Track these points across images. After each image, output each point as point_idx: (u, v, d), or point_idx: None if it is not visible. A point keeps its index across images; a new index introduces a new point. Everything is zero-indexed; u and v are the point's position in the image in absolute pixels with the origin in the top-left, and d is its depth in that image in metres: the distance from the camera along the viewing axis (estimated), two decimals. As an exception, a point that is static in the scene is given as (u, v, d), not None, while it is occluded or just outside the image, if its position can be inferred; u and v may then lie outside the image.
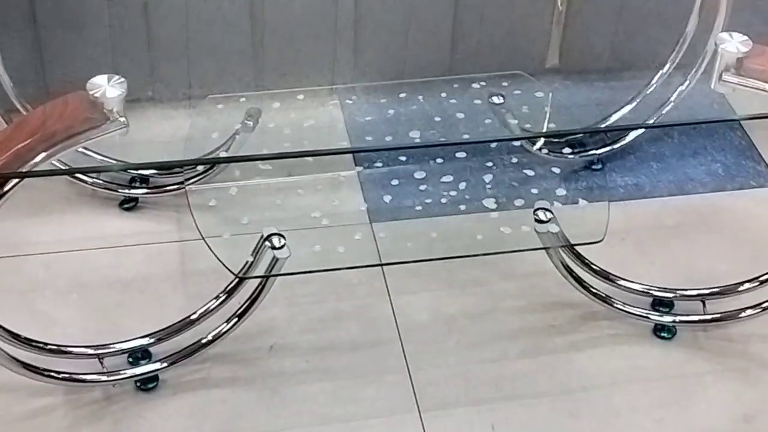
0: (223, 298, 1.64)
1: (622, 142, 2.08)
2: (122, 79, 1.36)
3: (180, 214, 1.92)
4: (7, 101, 1.83)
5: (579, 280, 1.70)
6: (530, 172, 1.79)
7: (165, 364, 1.63)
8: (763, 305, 1.74)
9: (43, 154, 1.34)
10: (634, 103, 2.07)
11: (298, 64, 2.10)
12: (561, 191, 1.76)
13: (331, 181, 1.82)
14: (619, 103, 2.09)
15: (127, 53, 2.03)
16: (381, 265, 1.77)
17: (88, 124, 1.35)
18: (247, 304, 1.62)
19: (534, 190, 1.75)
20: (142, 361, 1.65)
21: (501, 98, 1.83)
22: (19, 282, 1.78)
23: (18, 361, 1.52)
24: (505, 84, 1.88)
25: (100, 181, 1.93)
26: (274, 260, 1.53)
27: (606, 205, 1.70)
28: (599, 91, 2.21)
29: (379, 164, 1.83)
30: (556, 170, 1.85)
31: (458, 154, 1.78)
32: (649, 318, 1.77)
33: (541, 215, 1.59)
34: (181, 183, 1.91)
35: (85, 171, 1.92)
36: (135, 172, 1.94)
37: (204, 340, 1.64)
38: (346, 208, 1.78)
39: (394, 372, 1.69)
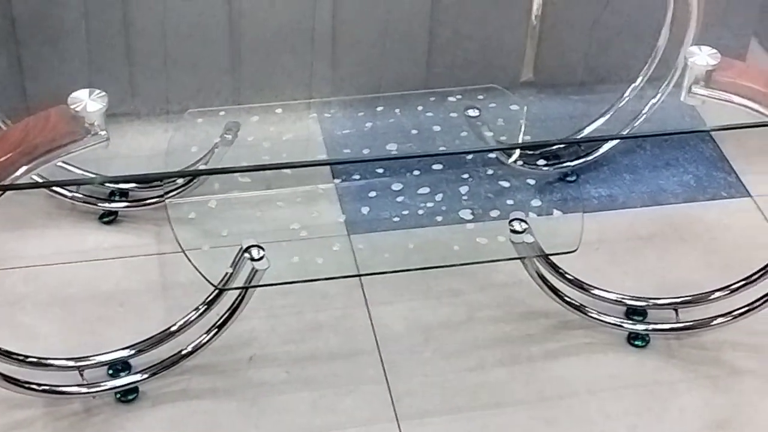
0: (203, 309, 1.65)
1: (596, 154, 2.11)
2: (103, 93, 1.38)
3: (159, 228, 1.93)
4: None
5: (554, 290, 1.72)
6: (506, 184, 1.82)
7: (145, 376, 1.65)
8: (734, 313, 1.77)
9: (25, 168, 1.36)
10: (608, 116, 2.10)
11: (276, 79, 2.12)
12: (536, 202, 1.78)
13: (309, 194, 1.84)
14: (593, 115, 2.12)
15: (106, 69, 2.05)
16: (359, 275, 1.79)
17: (70, 138, 1.37)
18: (226, 315, 1.63)
19: (509, 202, 1.78)
20: (122, 373, 1.66)
21: (477, 111, 1.86)
22: (-1, 295, 1.80)
23: (-1, 373, 1.54)
24: (480, 97, 1.91)
25: (80, 195, 1.94)
26: (253, 271, 1.55)
27: (580, 216, 1.73)
28: (573, 105, 2.24)
29: (357, 177, 1.85)
30: (531, 182, 1.87)
31: (435, 166, 1.81)
32: (623, 326, 1.80)
33: (517, 226, 1.62)
34: (161, 196, 1.92)
35: (66, 184, 1.93)
36: (114, 186, 1.96)
37: (184, 352, 1.65)
38: (324, 220, 1.80)
39: (372, 382, 1.71)
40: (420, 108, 1.90)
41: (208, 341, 1.64)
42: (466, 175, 1.82)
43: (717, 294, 1.79)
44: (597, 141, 2.14)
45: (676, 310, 1.80)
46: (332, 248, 1.71)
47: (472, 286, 1.87)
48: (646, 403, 1.70)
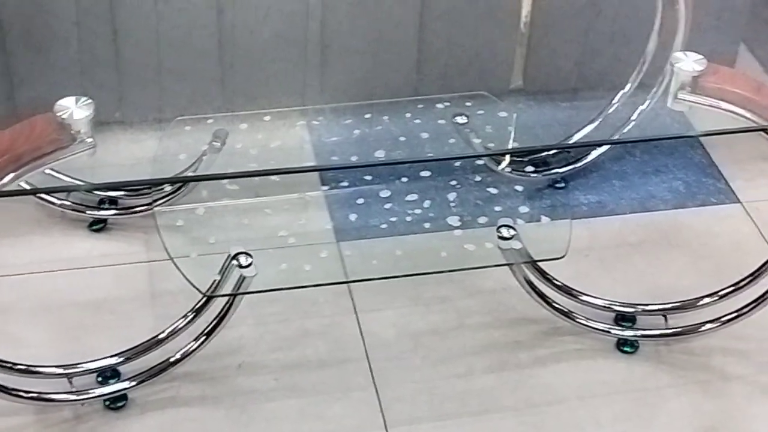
0: (191, 317, 1.65)
1: (585, 161, 2.11)
2: (90, 101, 1.39)
3: (148, 235, 1.93)
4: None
5: (542, 296, 1.72)
6: (494, 191, 1.83)
7: (134, 383, 1.64)
8: (723, 319, 1.77)
9: (11, 175, 1.36)
10: (597, 123, 2.11)
11: (267, 88, 2.13)
12: (524, 209, 1.79)
13: (297, 202, 1.84)
14: (582, 122, 2.13)
15: (95, 77, 2.05)
16: (347, 282, 1.79)
17: (56, 145, 1.37)
18: (215, 322, 1.63)
19: (497, 208, 1.78)
20: (111, 381, 1.66)
21: (465, 118, 1.87)
22: (-13, 303, 1.80)
23: (-14, 381, 1.54)
24: (468, 104, 1.91)
25: (69, 203, 1.94)
26: (241, 278, 1.55)
27: (568, 222, 1.74)
28: (562, 111, 2.25)
29: (345, 184, 1.86)
30: (520, 189, 1.88)
31: (423, 173, 1.82)
32: (611, 333, 1.80)
33: (505, 232, 1.62)
34: (149, 204, 1.92)
35: (54, 191, 1.93)
36: (104, 194, 1.96)
37: (172, 359, 1.65)
38: (312, 227, 1.81)
39: (361, 389, 1.71)
40: (408, 115, 1.91)
41: (196, 348, 1.64)
42: (454, 182, 1.83)
43: (706, 300, 1.79)
44: (586, 147, 2.14)
45: (665, 316, 1.81)
46: (320, 255, 1.71)
47: (461, 292, 1.87)
48: (636, 409, 1.71)
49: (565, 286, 1.77)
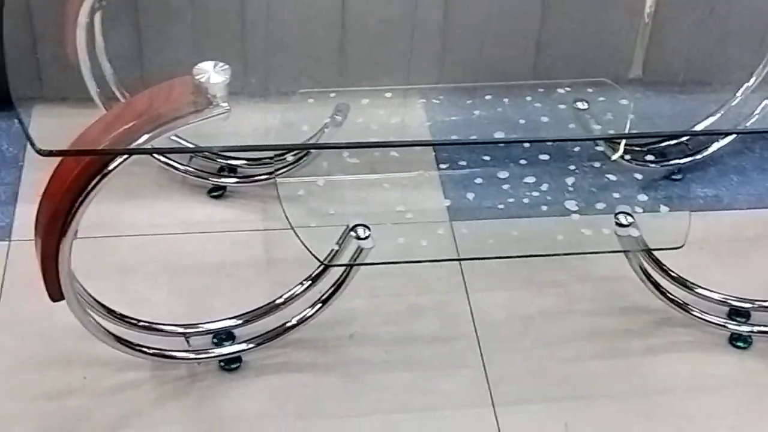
0: (308, 284, 1.69)
1: (704, 153, 2.09)
2: (226, 66, 1.41)
3: (265, 205, 1.97)
4: (107, 89, 1.90)
5: (657, 286, 1.71)
6: (612, 178, 1.82)
7: (251, 345, 1.68)
8: (842, 319, 1.74)
9: (147, 135, 1.39)
10: (718, 115, 2.08)
11: (387, 64, 2.15)
12: (642, 197, 1.78)
13: (415, 179, 1.86)
14: (702, 115, 2.10)
15: (220, 47, 2.10)
16: (460, 259, 1.80)
17: (192, 108, 1.40)
18: (331, 290, 1.66)
19: (615, 195, 1.77)
20: (226, 343, 1.70)
21: (585, 104, 1.86)
22: (113, 261, 1.85)
23: (112, 334, 1.58)
24: (589, 90, 1.90)
25: (191, 169, 1.99)
26: (359, 250, 1.57)
27: (687, 214, 1.72)
28: (681, 103, 2.22)
29: (463, 163, 1.87)
30: (638, 177, 1.87)
31: (541, 156, 1.81)
32: (726, 327, 1.78)
33: (622, 219, 1.61)
34: (270, 174, 1.96)
35: (183, 151, 1.97)
36: (224, 162, 2.00)
37: (288, 324, 1.68)
38: (428, 205, 1.82)
39: (469, 367, 1.72)
40: (528, 98, 1.90)
41: (312, 315, 1.67)
42: (572, 167, 1.82)
43: (823, 299, 1.77)
44: (711, 134, 2.11)
45: (781, 313, 1.78)
46: (437, 232, 1.73)
47: (574, 278, 1.86)
48: (747, 405, 1.69)
49: (681, 277, 1.75)
